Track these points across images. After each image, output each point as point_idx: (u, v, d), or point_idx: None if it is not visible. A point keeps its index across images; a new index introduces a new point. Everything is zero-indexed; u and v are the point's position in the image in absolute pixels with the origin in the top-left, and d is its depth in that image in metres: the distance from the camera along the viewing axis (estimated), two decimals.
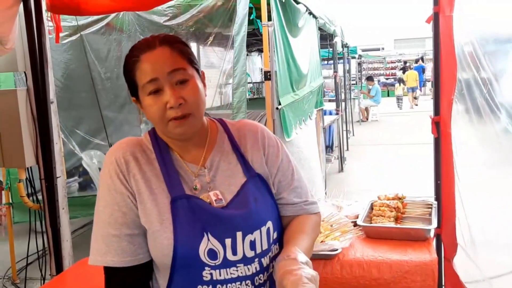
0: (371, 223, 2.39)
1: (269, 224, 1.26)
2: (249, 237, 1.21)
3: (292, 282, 1.08)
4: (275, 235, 1.28)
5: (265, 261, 1.25)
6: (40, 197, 3.16)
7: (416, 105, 18.37)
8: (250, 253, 1.21)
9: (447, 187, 2.57)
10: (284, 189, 1.35)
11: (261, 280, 1.24)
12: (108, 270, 1.22)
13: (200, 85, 1.23)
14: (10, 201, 4.02)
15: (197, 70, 1.26)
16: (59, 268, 3.08)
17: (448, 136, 2.50)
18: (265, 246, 1.24)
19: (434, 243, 2.56)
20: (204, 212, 1.20)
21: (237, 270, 1.20)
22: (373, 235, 2.29)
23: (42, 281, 3.33)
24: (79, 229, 5.28)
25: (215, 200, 1.23)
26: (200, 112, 1.24)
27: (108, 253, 1.19)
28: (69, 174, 4.58)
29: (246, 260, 1.21)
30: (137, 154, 1.24)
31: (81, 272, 2.57)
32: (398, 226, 2.32)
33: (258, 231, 1.23)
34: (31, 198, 3.29)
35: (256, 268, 1.22)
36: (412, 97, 18.68)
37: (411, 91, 18.65)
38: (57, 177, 3.09)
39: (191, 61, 1.24)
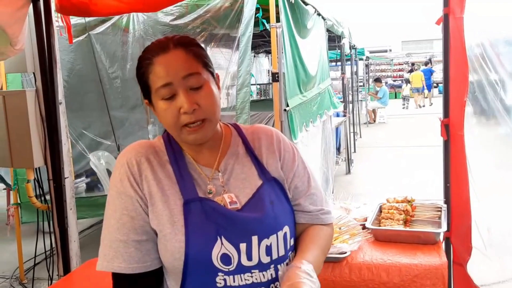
0: (380, 226, 2.37)
1: (286, 229, 1.23)
2: (265, 242, 1.18)
3: None
4: (292, 242, 1.25)
5: (282, 268, 1.21)
6: (48, 198, 3.17)
7: (431, 104, 18.84)
8: (266, 259, 1.18)
9: (458, 190, 2.55)
10: (300, 195, 1.32)
11: (277, 287, 1.20)
12: (116, 276, 1.19)
13: (215, 89, 1.21)
14: (18, 201, 4.03)
15: (212, 73, 1.23)
16: (67, 269, 3.09)
17: (460, 139, 2.48)
18: (281, 252, 1.21)
19: (443, 246, 2.54)
20: (218, 215, 1.17)
21: (251, 276, 1.16)
22: (382, 238, 2.27)
23: (50, 281, 3.34)
24: (87, 230, 5.31)
25: (230, 203, 1.20)
26: (216, 117, 1.21)
27: (115, 259, 1.16)
28: (78, 176, 4.59)
29: (261, 266, 1.17)
30: (150, 156, 1.22)
31: (89, 273, 2.57)
32: (407, 229, 2.30)
33: (275, 235, 1.19)
34: (39, 198, 3.30)
35: (271, 275, 1.19)
36: (417, 97, 18.94)
37: (416, 91, 18.91)
38: (65, 178, 3.09)
39: (206, 64, 1.21)
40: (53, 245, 3.15)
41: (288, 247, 1.23)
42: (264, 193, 1.23)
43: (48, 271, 3.38)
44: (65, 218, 3.08)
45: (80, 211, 3.53)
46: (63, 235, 3.09)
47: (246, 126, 1.38)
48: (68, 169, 3.13)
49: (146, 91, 1.21)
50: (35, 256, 3.48)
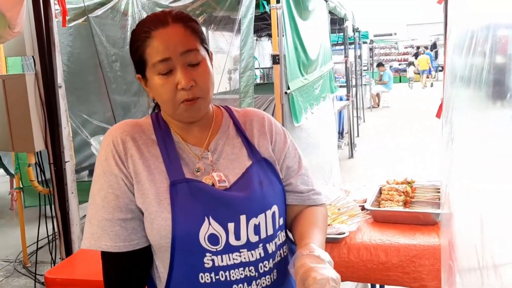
0: (379, 207, 2.37)
1: (275, 208, 1.22)
2: (253, 221, 1.17)
3: (319, 282, 1.02)
4: (281, 221, 1.25)
5: (270, 247, 1.21)
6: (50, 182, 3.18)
7: (431, 86, 20.25)
8: (254, 238, 1.17)
9: None
10: (292, 175, 1.32)
11: (265, 267, 1.20)
12: (104, 255, 1.19)
13: (210, 67, 1.20)
14: (21, 186, 4.05)
15: (207, 51, 1.22)
16: (69, 252, 3.11)
17: None
18: (270, 231, 1.20)
19: None
20: (205, 195, 1.16)
21: (240, 256, 1.16)
22: (381, 219, 2.27)
23: (53, 265, 3.37)
24: None
25: (218, 181, 1.19)
26: (210, 96, 1.21)
27: (102, 238, 1.15)
28: (83, 169, 4.60)
29: (249, 245, 1.17)
30: (135, 134, 1.21)
31: (90, 255, 2.58)
32: (407, 210, 2.30)
33: (263, 214, 1.19)
34: (41, 183, 3.31)
35: (260, 254, 1.18)
36: (424, 78, 20.48)
37: (423, 73, 20.44)
38: (66, 162, 3.10)
39: (203, 41, 1.20)
40: (56, 229, 3.18)
41: (277, 226, 1.23)
42: (253, 173, 1.23)
43: (51, 254, 3.41)
44: (66, 201, 3.09)
45: (82, 195, 3.54)
46: (65, 219, 3.11)
47: (238, 109, 1.37)
48: (68, 153, 3.13)
49: (140, 66, 1.19)
50: (38, 240, 3.50)
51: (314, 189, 1.34)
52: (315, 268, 1.05)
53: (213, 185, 1.19)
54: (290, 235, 1.34)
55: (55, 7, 3.09)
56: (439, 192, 2.51)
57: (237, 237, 1.16)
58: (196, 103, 1.17)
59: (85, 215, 1.16)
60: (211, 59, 1.24)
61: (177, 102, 1.16)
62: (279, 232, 1.25)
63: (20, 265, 4.20)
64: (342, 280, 2.14)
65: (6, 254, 4.44)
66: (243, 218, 1.16)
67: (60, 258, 3.21)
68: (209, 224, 1.14)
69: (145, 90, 1.25)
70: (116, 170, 1.17)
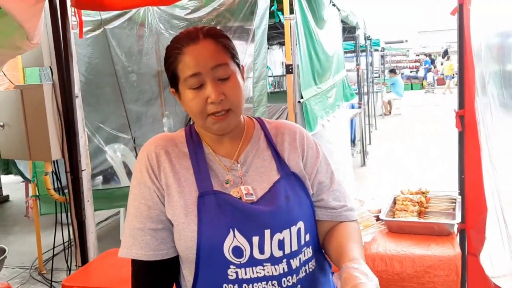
0: (394, 217, 2.37)
1: (300, 224, 1.22)
2: (278, 236, 1.18)
3: None
4: (307, 237, 1.24)
5: (294, 263, 1.20)
6: (66, 190, 3.22)
7: (451, 92, 20.54)
8: (278, 253, 1.18)
9: (473, 181, 2.53)
10: (323, 191, 1.32)
11: (289, 282, 1.19)
12: (134, 263, 1.24)
13: (240, 80, 1.23)
14: (37, 194, 4.10)
15: (238, 65, 1.25)
16: (84, 260, 3.14)
17: (474, 129, 2.46)
18: (294, 247, 1.20)
19: (458, 238, 2.53)
20: (232, 208, 1.18)
21: (263, 269, 1.17)
22: (395, 230, 2.28)
23: (68, 272, 3.40)
24: (103, 221, 5.37)
25: (246, 194, 1.21)
26: (240, 109, 1.23)
27: (133, 246, 1.20)
28: (96, 174, 4.64)
29: (273, 260, 1.17)
30: (169, 148, 1.26)
31: (106, 263, 2.62)
32: (421, 220, 2.31)
33: (288, 230, 1.19)
34: (57, 191, 3.36)
35: (283, 269, 1.18)
36: (448, 84, 20.69)
37: (447, 78, 20.79)
38: (82, 170, 3.14)
39: (234, 55, 1.24)
40: (71, 237, 3.21)
41: (302, 242, 1.23)
42: (280, 187, 1.23)
43: (67, 262, 3.44)
44: (82, 209, 3.13)
45: (97, 203, 3.59)
46: (81, 227, 3.14)
47: (270, 121, 1.39)
48: (85, 162, 3.17)
49: (174, 80, 1.24)
50: (54, 247, 3.54)
51: (346, 205, 1.34)
52: (364, 285, 1.03)
53: (240, 198, 1.21)
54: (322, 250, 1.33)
55: (72, 19, 3.15)
56: (453, 202, 2.52)
57: (261, 251, 1.17)
58: (225, 118, 1.20)
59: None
60: (242, 72, 1.27)
61: (205, 115, 1.19)
62: (305, 248, 1.24)
63: (36, 272, 4.24)
64: None
65: (22, 261, 4.48)
66: (267, 232, 1.17)
67: (75, 266, 3.24)
68: (234, 236, 1.16)
69: (179, 104, 1.28)
70: (149, 182, 1.22)
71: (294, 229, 1.20)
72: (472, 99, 2.48)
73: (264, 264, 1.17)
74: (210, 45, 1.19)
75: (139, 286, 1.26)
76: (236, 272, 1.16)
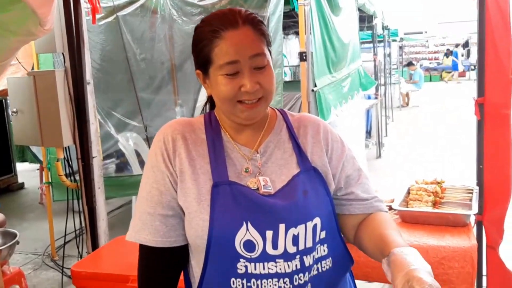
0: (407, 207, 2.31)
1: (317, 220, 1.17)
2: (292, 231, 1.14)
3: (429, 285, 0.92)
4: (322, 235, 1.20)
5: (307, 260, 1.16)
6: (78, 177, 3.22)
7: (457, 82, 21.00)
8: (292, 249, 1.14)
9: (496, 171, 2.47)
10: (352, 184, 1.28)
11: (300, 280, 1.15)
12: (142, 249, 1.22)
13: (273, 69, 1.20)
14: (50, 180, 4.12)
15: (270, 52, 1.21)
16: (95, 246, 3.15)
17: (506, 118, 2.40)
18: (309, 244, 1.16)
19: (474, 230, 2.46)
20: (247, 200, 1.15)
21: (275, 266, 1.13)
22: (409, 220, 2.22)
23: (80, 259, 3.41)
24: (116, 210, 5.40)
25: (264, 186, 1.17)
26: (271, 98, 1.20)
27: (142, 231, 1.18)
28: (108, 156, 4.65)
29: (287, 256, 1.14)
30: (186, 133, 1.23)
31: (115, 250, 2.61)
32: (436, 210, 2.24)
33: (303, 225, 1.15)
34: (69, 177, 3.36)
35: (296, 265, 1.14)
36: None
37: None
38: (93, 157, 3.14)
39: (269, 43, 1.20)
40: (83, 224, 3.22)
41: (317, 239, 1.18)
42: (299, 181, 1.19)
43: (78, 248, 3.46)
44: (93, 196, 3.13)
45: (109, 191, 3.59)
46: (92, 213, 3.15)
47: (293, 113, 1.35)
48: (96, 149, 3.17)
49: (204, 64, 1.18)
50: (65, 235, 3.56)
51: (376, 196, 1.30)
52: (418, 271, 0.96)
53: (257, 189, 1.17)
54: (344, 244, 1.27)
55: (85, 5, 3.13)
56: (470, 193, 2.44)
57: (275, 246, 1.13)
58: (256, 106, 1.17)
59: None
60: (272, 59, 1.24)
61: (235, 101, 1.15)
62: (319, 245, 1.20)
63: (48, 258, 4.28)
64: (368, 280, 2.10)
65: (35, 247, 4.53)
66: (282, 227, 1.13)
67: (86, 252, 3.25)
68: (247, 229, 1.12)
69: (203, 86, 1.24)
70: (163, 167, 1.19)
71: (310, 225, 1.16)
72: (505, 84, 2.41)
73: (277, 260, 1.13)
74: (250, 33, 1.14)
75: (145, 272, 1.24)
76: (246, 266, 1.13)
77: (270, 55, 1.21)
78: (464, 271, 1.89)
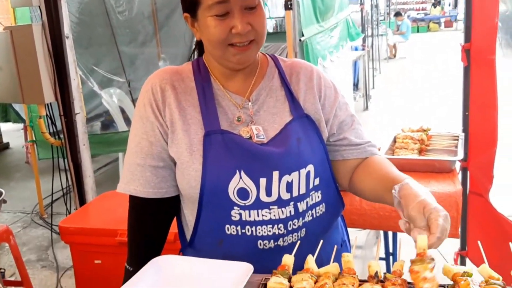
0: (393, 155, 2.31)
1: (310, 167, 1.17)
2: (286, 178, 1.14)
3: (443, 215, 0.96)
4: (316, 181, 1.20)
5: (301, 206, 1.17)
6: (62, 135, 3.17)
7: None
8: (285, 195, 1.14)
9: (483, 117, 2.46)
10: (345, 130, 1.26)
11: (295, 225, 1.16)
12: (132, 200, 1.21)
13: (264, 12, 1.15)
14: (33, 139, 4.07)
15: None
16: (83, 203, 3.14)
17: (490, 63, 2.37)
18: (302, 190, 1.16)
19: (460, 176, 2.48)
20: (240, 148, 1.13)
21: (269, 213, 1.14)
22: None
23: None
24: (103, 167, 5.39)
25: (256, 135, 1.16)
26: (263, 40, 1.16)
27: (132, 182, 1.18)
28: (95, 117, 4.59)
29: (280, 202, 1.14)
30: (175, 82, 1.19)
31: (103, 205, 2.62)
32: (421, 157, 2.25)
33: (297, 172, 1.15)
34: (55, 136, 3.31)
35: (290, 212, 1.15)
36: None
37: None
38: (76, 113, 3.08)
39: None
40: (69, 181, 3.20)
41: (311, 186, 1.18)
42: (292, 129, 1.18)
43: (66, 205, 3.46)
44: (78, 153, 3.09)
45: (95, 148, 3.56)
46: (77, 170, 3.12)
47: (285, 59, 1.31)
48: (78, 105, 3.10)
49: (192, 5, 1.13)
50: (52, 193, 3.55)
51: (370, 141, 1.29)
52: (434, 202, 0.99)
53: (250, 138, 1.16)
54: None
55: None
56: (456, 140, 2.45)
57: (268, 193, 1.13)
58: (248, 49, 1.13)
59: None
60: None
61: (226, 44, 1.11)
62: (313, 192, 1.20)
63: (37, 217, 4.29)
64: (354, 227, 2.13)
65: (23, 206, 4.53)
66: (275, 174, 1.13)
67: (75, 209, 3.25)
68: (240, 177, 1.12)
69: (191, 30, 1.20)
70: (152, 118, 1.17)
71: (303, 172, 1.16)
72: (490, 29, 2.36)
73: (271, 207, 1.14)
74: None
75: (135, 223, 1.24)
76: (240, 214, 1.14)
77: None
78: (449, 215, 1.91)
